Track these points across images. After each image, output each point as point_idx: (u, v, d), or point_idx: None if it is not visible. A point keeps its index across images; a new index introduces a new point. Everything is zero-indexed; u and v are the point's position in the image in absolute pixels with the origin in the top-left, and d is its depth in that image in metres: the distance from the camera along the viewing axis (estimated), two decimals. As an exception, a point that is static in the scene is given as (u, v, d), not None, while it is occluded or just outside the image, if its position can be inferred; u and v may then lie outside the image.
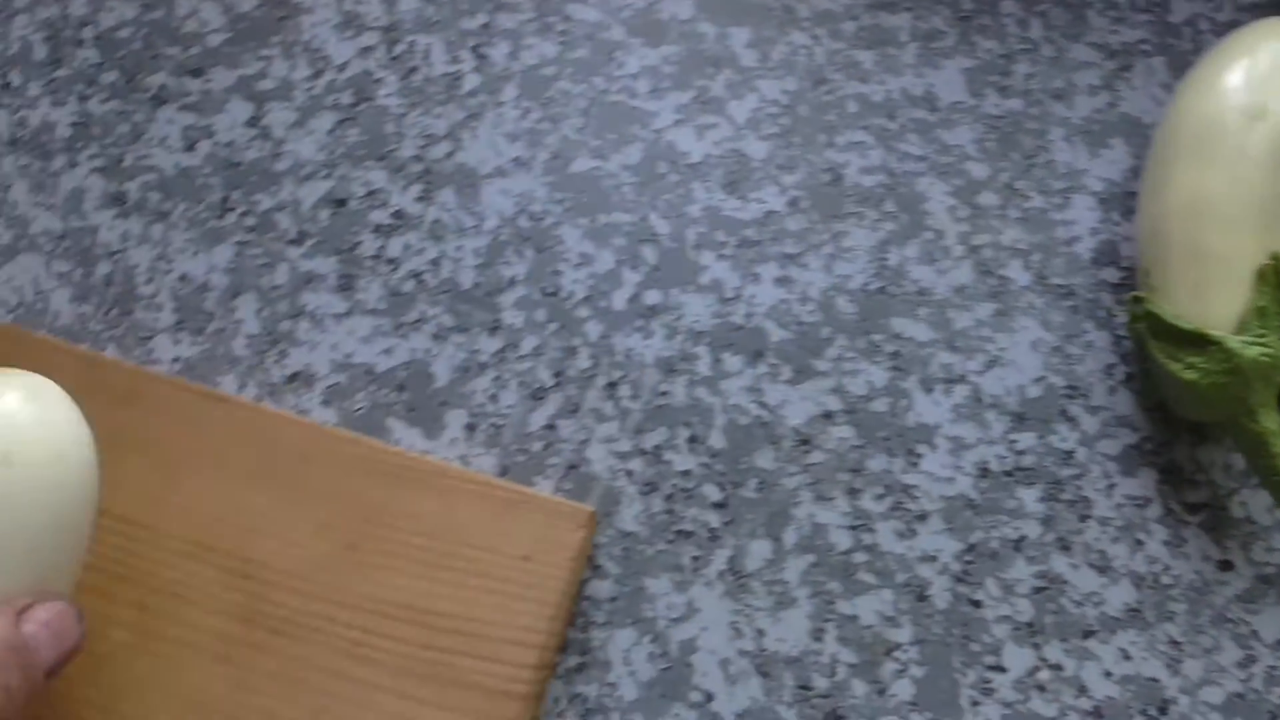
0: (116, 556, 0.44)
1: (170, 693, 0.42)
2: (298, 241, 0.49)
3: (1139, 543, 0.43)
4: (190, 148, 0.51)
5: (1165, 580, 0.43)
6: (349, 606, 0.42)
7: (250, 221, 0.49)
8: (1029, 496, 0.44)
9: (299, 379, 0.47)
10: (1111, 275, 0.47)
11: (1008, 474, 0.44)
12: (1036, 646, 0.42)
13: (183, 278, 0.49)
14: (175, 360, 0.48)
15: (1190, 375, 0.41)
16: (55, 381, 0.44)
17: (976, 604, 0.43)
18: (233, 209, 0.50)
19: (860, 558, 0.44)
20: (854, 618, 0.43)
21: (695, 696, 0.43)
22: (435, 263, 0.48)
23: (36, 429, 0.36)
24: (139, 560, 0.44)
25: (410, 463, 0.44)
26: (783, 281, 0.47)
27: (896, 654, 0.43)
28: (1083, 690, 0.42)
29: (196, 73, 0.52)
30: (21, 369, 0.39)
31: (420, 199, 0.49)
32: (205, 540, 0.44)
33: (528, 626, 0.42)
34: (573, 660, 0.43)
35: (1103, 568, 0.43)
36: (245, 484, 0.44)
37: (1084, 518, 0.44)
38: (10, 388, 0.37)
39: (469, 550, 0.43)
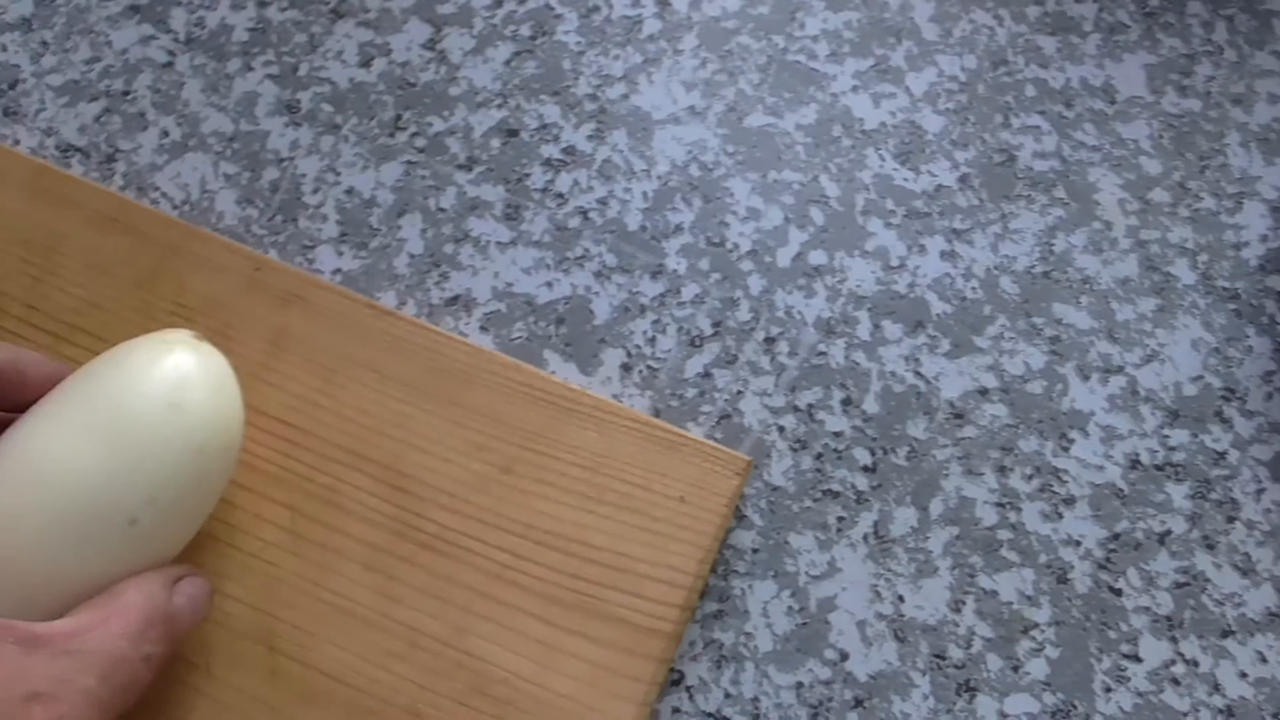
0: (272, 458, 0.44)
1: (316, 595, 0.43)
2: (467, 167, 0.49)
3: (1284, 550, 0.44)
4: (366, 64, 0.51)
5: (1308, 590, 0.43)
6: (500, 529, 0.43)
7: (420, 143, 0.50)
8: (1177, 492, 0.44)
9: (458, 302, 0.48)
10: (1278, 283, 0.47)
11: (1158, 468, 0.45)
12: (1174, 640, 0.43)
13: (349, 191, 0.49)
14: (336, 272, 0.48)
15: (1367, 387, 0.41)
16: (222, 281, 0.45)
17: (1117, 592, 0.43)
18: (404, 128, 0.50)
19: (1004, 535, 0.44)
20: (994, 593, 0.44)
21: (830, 654, 0.43)
22: (603, 202, 0.49)
23: (224, 420, 0.39)
24: (294, 463, 0.44)
25: (572, 394, 0.44)
26: (948, 256, 0.47)
27: (1033, 633, 0.43)
28: (1216, 688, 0.42)
29: (377, -10, 0.52)
30: (189, 330, 0.40)
31: (592, 137, 0.49)
32: (361, 450, 0.44)
33: (677, 567, 0.42)
34: (711, 606, 0.44)
35: (1246, 570, 0.43)
36: (404, 398, 0.45)
37: (1231, 519, 0.44)
38: (201, 375, 0.38)
39: (625, 486, 0.43)
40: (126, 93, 0.51)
